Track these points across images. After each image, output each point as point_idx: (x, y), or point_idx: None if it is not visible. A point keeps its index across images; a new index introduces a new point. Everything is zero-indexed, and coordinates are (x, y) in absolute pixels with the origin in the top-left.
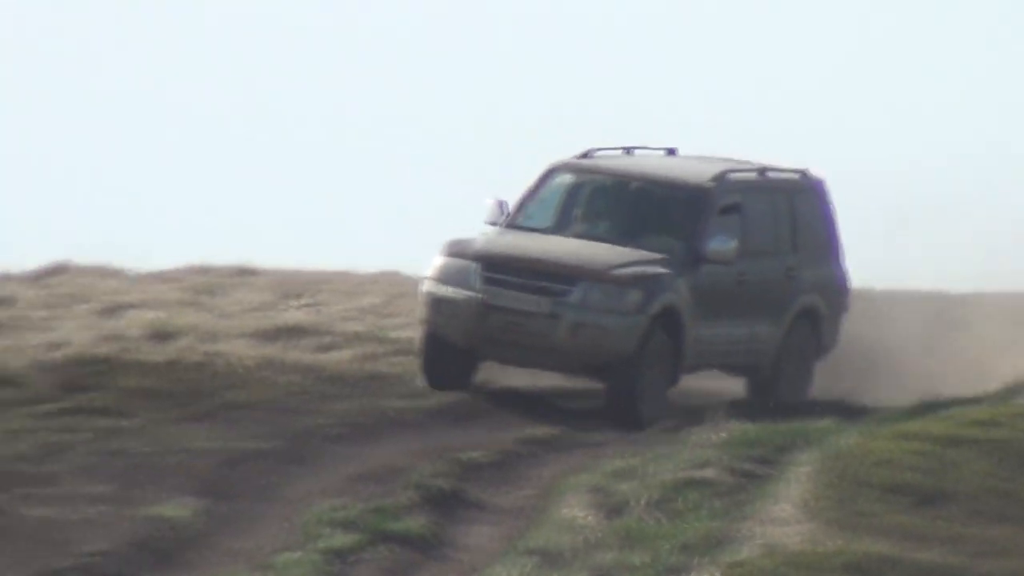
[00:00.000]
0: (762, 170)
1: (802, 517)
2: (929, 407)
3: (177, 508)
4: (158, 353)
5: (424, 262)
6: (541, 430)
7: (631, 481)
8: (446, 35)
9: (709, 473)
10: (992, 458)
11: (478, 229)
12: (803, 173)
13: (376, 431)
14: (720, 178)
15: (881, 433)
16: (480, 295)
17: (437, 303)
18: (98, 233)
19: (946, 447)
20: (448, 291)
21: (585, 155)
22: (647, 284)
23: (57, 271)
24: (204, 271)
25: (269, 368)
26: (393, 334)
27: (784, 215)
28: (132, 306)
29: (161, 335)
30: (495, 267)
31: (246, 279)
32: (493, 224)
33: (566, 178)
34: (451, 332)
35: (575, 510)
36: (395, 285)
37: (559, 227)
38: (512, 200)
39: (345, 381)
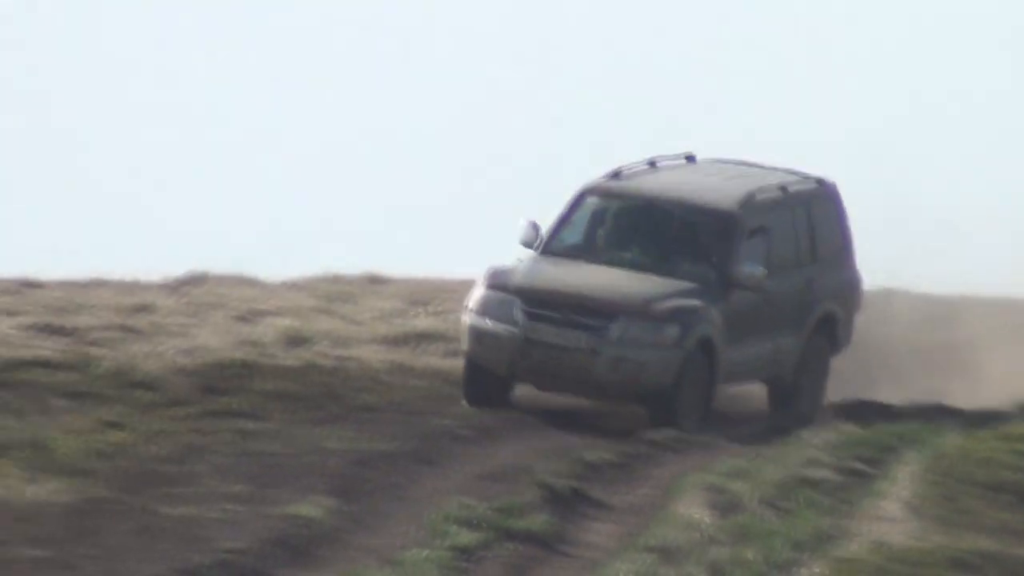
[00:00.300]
0: (783, 186)
1: (907, 515)
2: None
3: (311, 507)
4: (292, 358)
5: None
6: (659, 433)
7: (744, 480)
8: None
9: (818, 472)
10: None
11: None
12: (819, 181)
13: (500, 432)
14: (747, 202)
15: (982, 434)
16: (522, 330)
17: (479, 335)
18: (235, 244)
19: None
20: (489, 324)
21: (616, 175)
22: (684, 318)
23: (195, 280)
24: (336, 280)
25: (398, 372)
26: None
27: (803, 227)
28: (267, 313)
29: (295, 341)
30: (536, 302)
31: (376, 287)
32: (527, 246)
33: (598, 201)
34: (493, 363)
35: (691, 508)
36: None
37: (593, 252)
38: (545, 221)
39: None
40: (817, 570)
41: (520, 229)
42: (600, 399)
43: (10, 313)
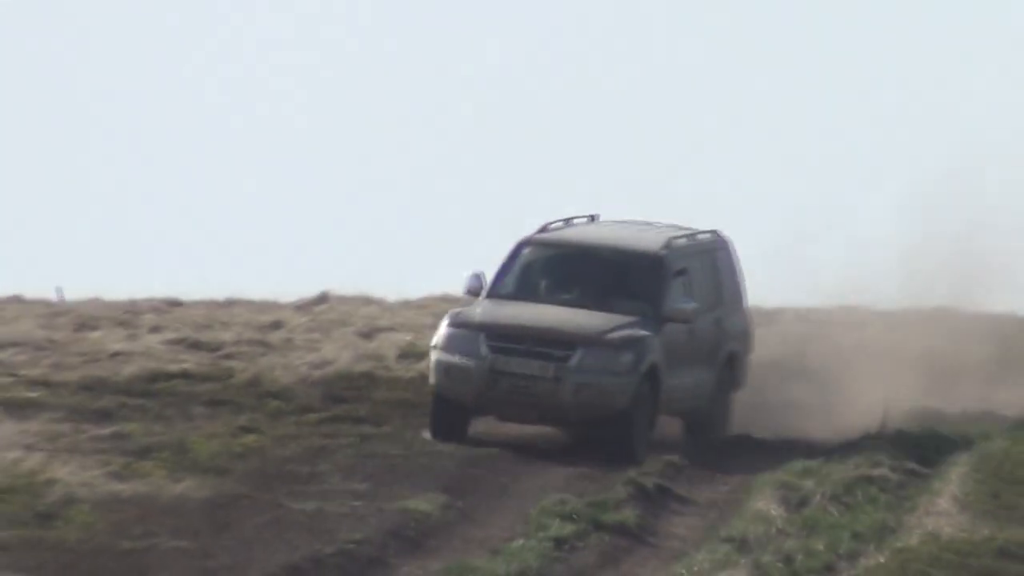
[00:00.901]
0: (691, 234)
1: (958, 509)
2: None
3: (424, 502)
4: (408, 370)
5: None
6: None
7: (812, 478)
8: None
9: (879, 471)
10: None
11: None
12: (716, 233)
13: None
14: (669, 245)
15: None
16: (488, 362)
17: (447, 369)
18: (357, 266)
19: None
20: (456, 359)
21: (543, 229)
22: (636, 346)
23: (321, 300)
24: (448, 299)
25: None
26: None
27: (710, 273)
28: (387, 330)
29: (411, 355)
30: (499, 336)
31: None
32: (473, 294)
33: (535, 251)
34: (461, 394)
35: (765, 503)
36: None
37: (537, 294)
38: (488, 271)
39: None
40: (877, 560)
41: (463, 280)
42: (562, 425)
43: (156, 330)
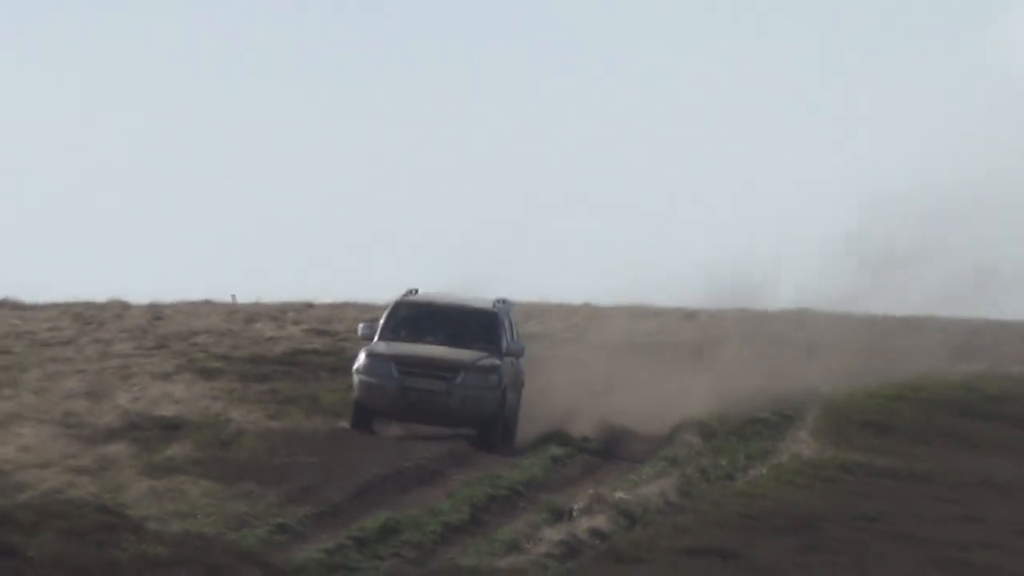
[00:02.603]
0: (501, 299)
1: (813, 439)
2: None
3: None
4: None
5: None
6: None
7: (723, 423)
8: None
9: (763, 415)
10: (920, 406)
11: None
12: (507, 300)
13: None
14: (495, 306)
15: (857, 393)
16: (398, 382)
17: (369, 387)
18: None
19: (893, 401)
20: (375, 380)
21: (410, 293)
22: (498, 371)
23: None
24: None
25: None
26: None
27: (509, 327)
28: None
29: None
30: (405, 364)
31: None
32: (367, 339)
33: (409, 309)
34: (378, 404)
35: (689, 436)
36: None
37: (415, 337)
38: (374, 322)
39: None
40: (761, 471)
41: (360, 328)
42: (448, 426)
43: (296, 323)
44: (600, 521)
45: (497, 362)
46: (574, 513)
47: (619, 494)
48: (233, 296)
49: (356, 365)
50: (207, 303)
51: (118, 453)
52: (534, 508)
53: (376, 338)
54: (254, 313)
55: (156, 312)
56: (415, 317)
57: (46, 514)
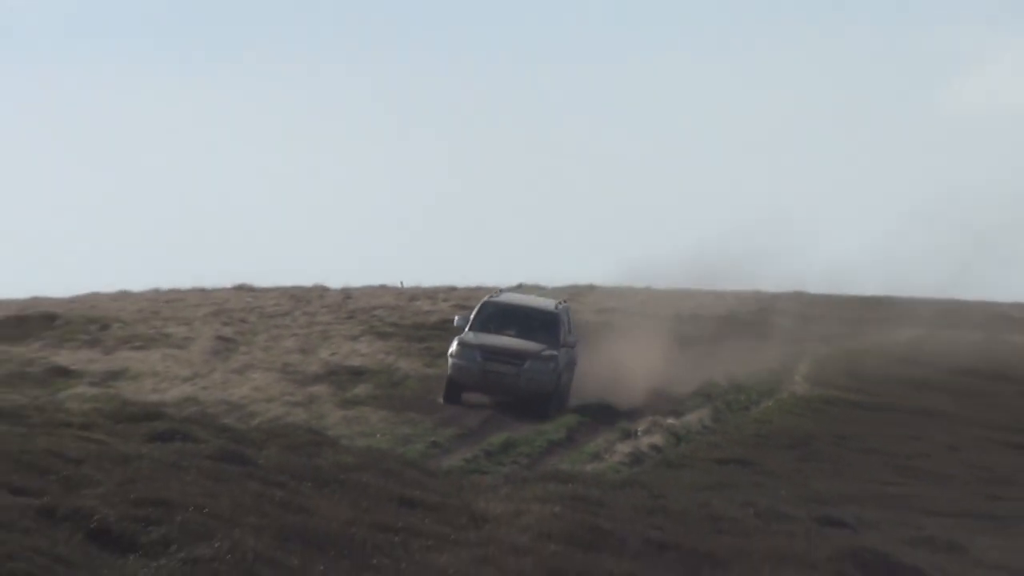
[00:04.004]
0: (562, 300)
1: (806, 382)
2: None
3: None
4: None
5: None
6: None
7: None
8: None
9: (774, 365)
10: (881, 359)
11: None
12: (565, 301)
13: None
14: (557, 307)
15: (836, 351)
16: (480, 365)
17: (459, 368)
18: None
19: (861, 356)
20: (463, 362)
21: (495, 295)
22: (555, 359)
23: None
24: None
25: None
26: None
27: (568, 323)
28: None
29: None
30: (487, 351)
31: None
32: (460, 329)
33: (492, 307)
34: (466, 381)
35: (720, 381)
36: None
37: (496, 330)
38: (468, 315)
39: None
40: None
41: (456, 320)
42: (516, 398)
43: (446, 300)
44: (656, 439)
45: (555, 352)
46: (638, 433)
47: (670, 420)
48: (401, 282)
49: (450, 350)
50: (383, 287)
51: (320, 392)
52: (610, 431)
53: (467, 329)
54: (416, 294)
55: (347, 293)
56: (497, 314)
57: (270, 434)
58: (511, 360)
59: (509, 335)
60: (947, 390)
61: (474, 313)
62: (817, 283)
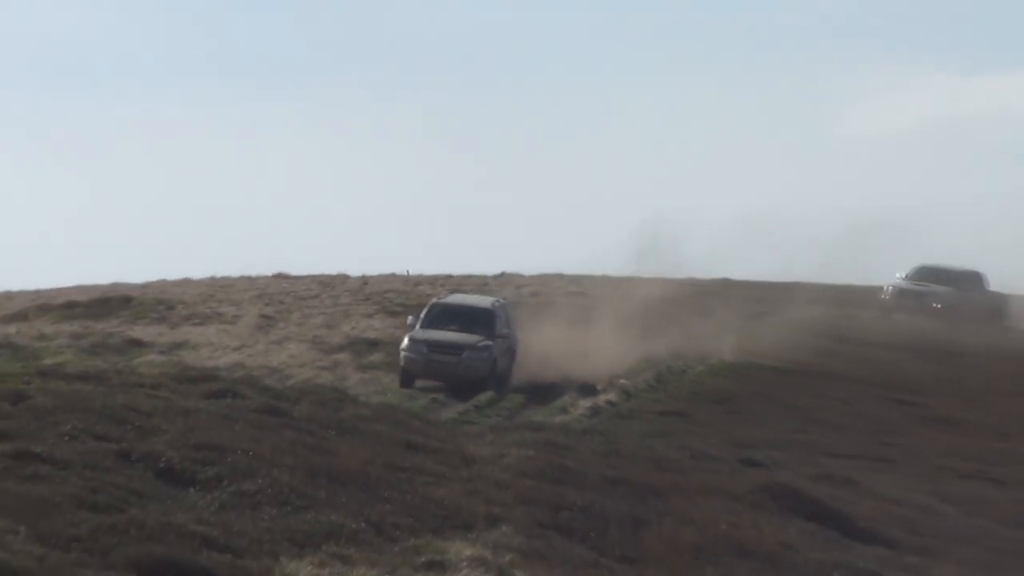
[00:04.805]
0: (500, 299)
1: (731, 352)
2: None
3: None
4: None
5: None
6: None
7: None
8: None
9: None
10: (790, 333)
11: None
12: (506, 299)
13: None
14: (494, 304)
15: (754, 326)
16: (426, 356)
17: (409, 359)
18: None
19: (774, 330)
20: (412, 354)
21: (441, 297)
22: (489, 349)
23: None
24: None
25: None
26: None
27: (506, 318)
28: None
29: None
30: (432, 345)
31: None
32: (411, 327)
33: (439, 307)
34: (415, 370)
35: (662, 352)
36: None
37: (441, 326)
38: (419, 315)
39: None
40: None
41: (409, 320)
42: (459, 384)
43: (443, 286)
44: (612, 396)
45: (490, 343)
46: (598, 390)
47: (622, 380)
48: (407, 270)
49: (403, 345)
50: (392, 275)
51: (342, 358)
52: (575, 390)
53: (418, 326)
54: (419, 280)
55: (364, 280)
56: (442, 313)
57: (303, 392)
58: (451, 351)
59: (452, 330)
60: (847, 357)
61: (423, 313)
62: (739, 272)
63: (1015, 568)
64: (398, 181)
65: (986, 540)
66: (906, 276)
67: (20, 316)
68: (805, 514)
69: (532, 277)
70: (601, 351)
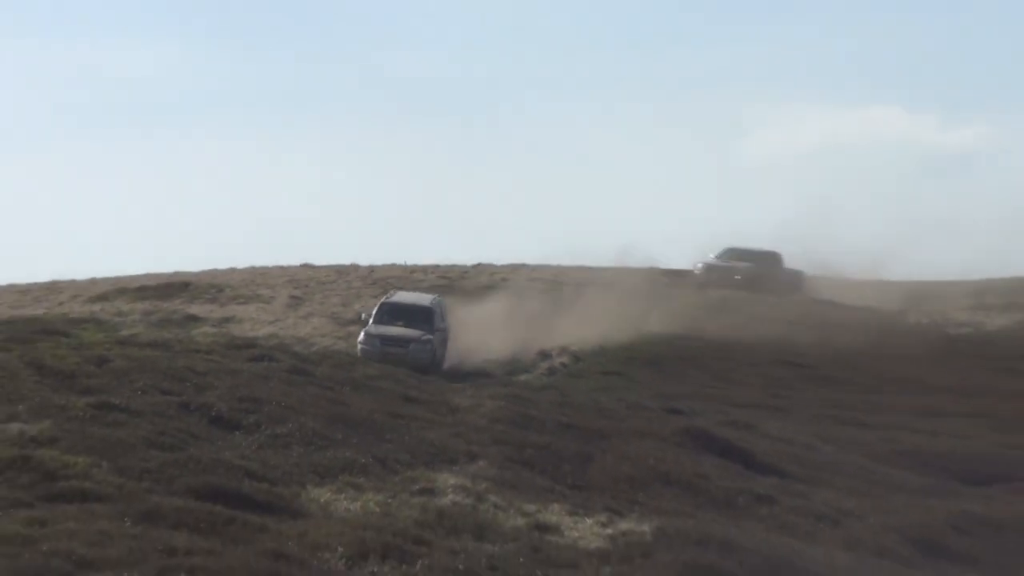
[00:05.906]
0: (436, 297)
1: (660, 324)
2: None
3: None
4: None
5: None
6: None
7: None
8: None
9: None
10: (712, 311)
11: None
12: (439, 297)
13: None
14: (432, 302)
15: (681, 303)
16: (381, 348)
17: (365, 351)
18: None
19: (696, 309)
20: (368, 347)
21: (390, 295)
22: (430, 341)
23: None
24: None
25: None
26: None
27: (441, 313)
28: None
29: None
30: (384, 338)
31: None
32: (364, 322)
33: (388, 305)
34: (371, 359)
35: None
36: None
37: (390, 322)
38: (368, 311)
39: None
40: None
41: (362, 315)
42: (409, 368)
43: (432, 272)
44: (564, 359)
45: (431, 336)
46: (552, 355)
47: (573, 347)
48: (405, 261)
49: (359, 339)
50: (393, 264)
51: (355, 331)
52: (535, 355)
53: (371, 322)
54: (414, 269)
55: (371, 269)
56: (390, 311)
57: (323, 356)
58: (400, 344)
59: (399, 326)
60: (752, 330)
61: (375, 310)
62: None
63: (880, 494)
64: (400, 189)
65: (858, 473)
66: (716, 256)
67: (103, 297)
68: (716, 451)
69: (503, 267)
70: (555, 327)
